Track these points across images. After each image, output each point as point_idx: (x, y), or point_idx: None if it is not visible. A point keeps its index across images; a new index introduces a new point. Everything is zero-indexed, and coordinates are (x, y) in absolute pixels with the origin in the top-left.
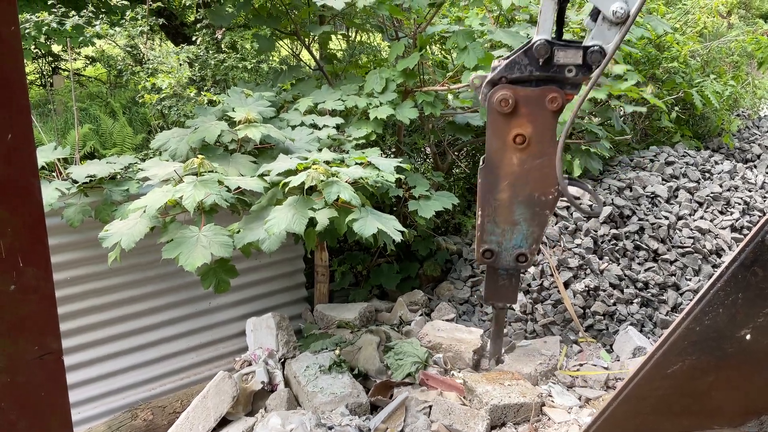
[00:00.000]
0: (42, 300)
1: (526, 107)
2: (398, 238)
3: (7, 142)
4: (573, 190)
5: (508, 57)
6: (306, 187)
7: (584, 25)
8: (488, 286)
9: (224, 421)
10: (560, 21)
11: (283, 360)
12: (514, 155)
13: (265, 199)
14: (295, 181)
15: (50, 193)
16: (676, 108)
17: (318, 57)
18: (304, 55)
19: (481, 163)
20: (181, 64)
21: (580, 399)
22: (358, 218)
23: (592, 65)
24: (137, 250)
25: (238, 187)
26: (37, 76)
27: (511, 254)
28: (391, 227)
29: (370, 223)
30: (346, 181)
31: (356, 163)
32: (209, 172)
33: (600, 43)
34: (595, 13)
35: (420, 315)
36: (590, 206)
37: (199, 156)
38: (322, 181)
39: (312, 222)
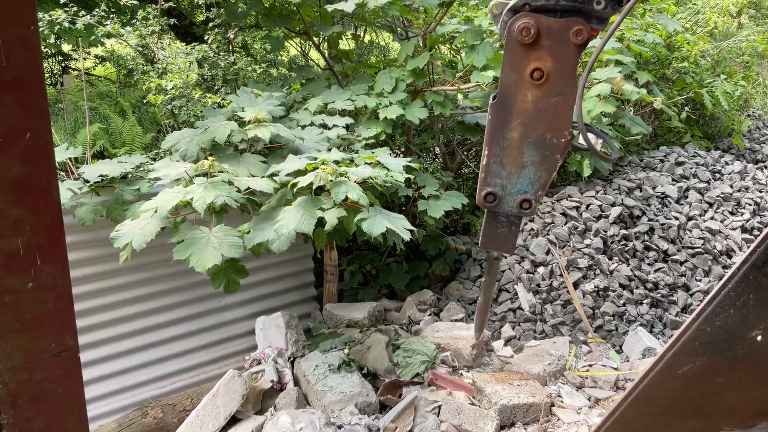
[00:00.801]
0: (59, 298)
1: (548, 39)
2: (407, 237)
3: (26, 141)
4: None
5: None
6: (314, 187)
7: None
8: (486, 232)
9: (234, 420)
10: None
11: (292, 359)
12: (530, 91)
13: (275, 200)
14: (303, 181)
15: (62, 192)
16: (686, 108)
17: (328, 56)
18: (313, 54)
19: (491, 99)
20: (190, 65)
21: (589, 399)
22: (366, 218)
23: None
24: (148, 249)
25: (249, 188)
26: (47, 75)
27: (515, 199)
28: (400, 226)
29: (379, 223)
30: (355, 181)
31: (365, 163)
32: (219, 173)
33: None
34: None
35: (429, 315)
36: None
37: (210, 157)
38: (330, 181)
39: (321, 222)
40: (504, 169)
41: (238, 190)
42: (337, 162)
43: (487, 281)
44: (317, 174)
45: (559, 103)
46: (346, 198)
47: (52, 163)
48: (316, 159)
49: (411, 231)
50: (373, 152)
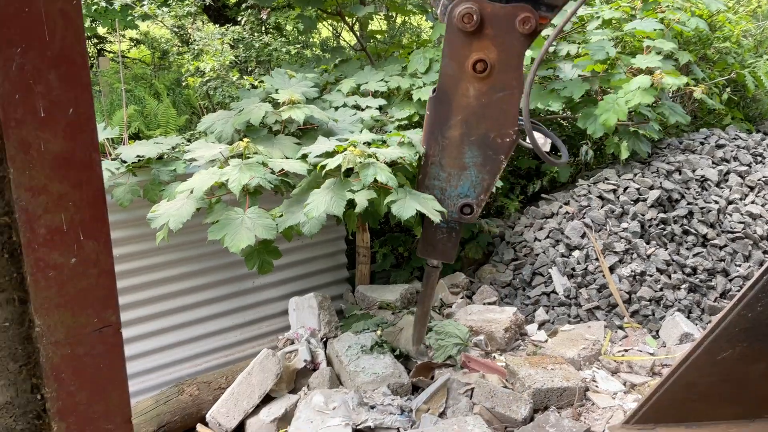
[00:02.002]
0: (102, 273)
1: (492, 27)
2: (437, 218)
3: (69, 117)
4: (537, 137)
5: None
6: (343, 169)
7: None
8: (424, 238)
9: (267, 398)
10: None
11: (324, 339)
12: (472, 85)
13: (306, 182)
14: (332, 163)
15: None
16: (728, 89)
17: (360, 37)
18: (345, 36)
19: (431, 92)
20: (224, 46)
21: (624, 384)
22: (396, 200)
23: None
24: (184, 229)
25: (282, 169)
26: None
27: (455, 203)
28: (430, 208)
29: (409, 205)
30: (384, 162)
31: (397, 144)
32: (254, 154)
33: None
34: None
35: (461, 298)
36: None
37: (245, 139)
38: (359, 162)
39: (352, 204)
40: (443, 171)
41: (272, 172)
42: (368, 143)
43: (424, 292)
44: (345, 156)
45: (504, 99)
46: (375, 180)
47: (94, 138)
48: (347, 140)
49: (441, 212)
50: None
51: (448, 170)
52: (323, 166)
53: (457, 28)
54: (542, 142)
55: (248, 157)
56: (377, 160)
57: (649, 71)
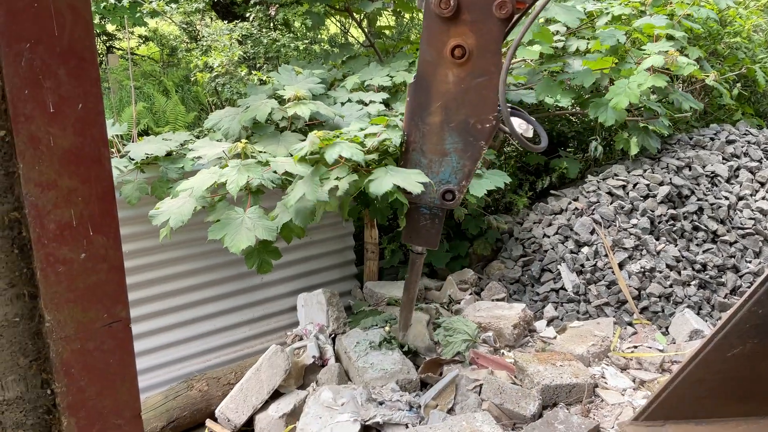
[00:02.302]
0: (111, 269)
1: (469, 12)
2: (418, 190)
3: (78, 112)
4: (516, 122)
5: None
6: (307, 152)
7: None
8: (408, 225)
9: (276, 394)
10: None
11: (333, 335)
12: (451, 71)
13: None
14: (301, 151)
15: None
16: (738, 85)
17: (368, 33)
18: (354, 32)
19: (411, 78)
20: (233, 42)
21: (634, 381)
22: (374, 178)
23: None
24: (190, 226)
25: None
26: None
27: (436, 190)
28: (412, 181)
29: (386, 181)
30: (351, 140)
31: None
32: (259, 152)
33: None
34: None
35: (470, 294)
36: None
37: (243, 141)
38: (324, 142)
39: (364, 196)
40: (424, 157)
41: (275, 171)
42: (361, 135)
43: (409, 278)
44: (310, 140)
45: (483, 85)
46: (343, 158)
47: (103, 133)
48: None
49: (425, 184)
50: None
51: (429, 156)
52: (303, 158)
53: (434, 14)
54: (525, 128)
55: (248, 158)
56: (341, 139)
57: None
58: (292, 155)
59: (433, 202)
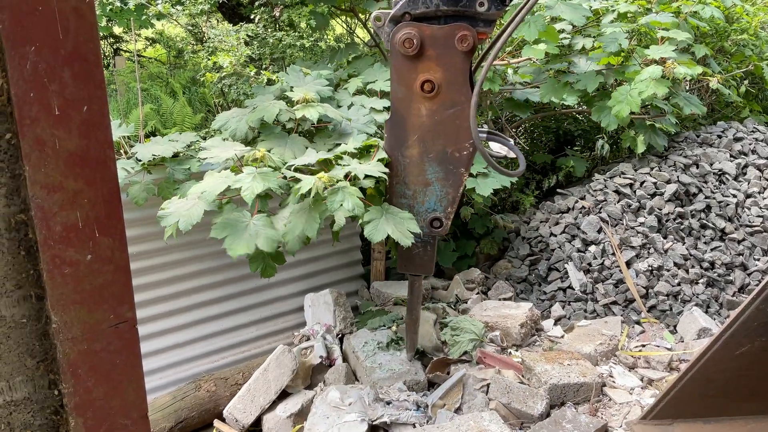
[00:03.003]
0: (117, 270)
1: (433, 48)
2: (408, 242)
3: (83, 115)
4: (495, 146)
5: None
6: (312, 196)
7: None
8: (401, 254)
9: (284, 394)
10: None
11: (340, 335)
12: (423, 105)
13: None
14: (303, 188)
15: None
16: (745, 82)
17: (374, 33)
18: (360, 32)
19: (387, 114)
20: (240, 42)
21: (642, 380)
22: (370, 220)
23: None
24: (197, 227)
25: (294, 176)
26: None
27: (424, 218)
28: (405, 230)
29: (381, 228)
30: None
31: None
32: (270, 164)
33: None
34: None
35: (477, 293)
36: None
37: (261, 149)
38: (326, 189)
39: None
40: (408, 189)
41: (285, 177)
42: (356, 152)
43: (410, 300)
44: (315, 184)
45: (455, 115)
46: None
47: (108, 135)
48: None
49: (417, 234)
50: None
51: (413, 188)
52: (297, 190)
53: (400, 53)
54: (505, 152)
55: (265, 165)
56: (353, 179)
57: (662, 61)
58: (296, 157)
59: (423, 230)
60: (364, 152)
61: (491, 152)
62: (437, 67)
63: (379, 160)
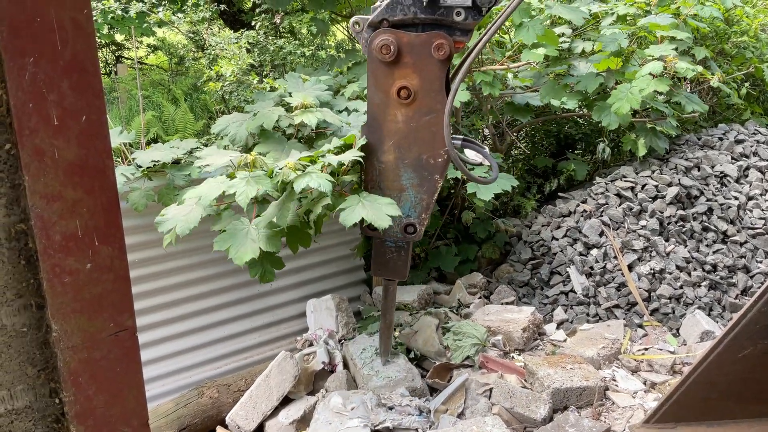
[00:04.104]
0: (117, 278)
1: (410, 55)
2: (384, 225)
3: (82, 125)
4: (470, 154)
5: None
6: (278, 183)
7: None
8: (375, 259)
9: (286, 400)
10: None
11: (342, 341)
12: (399, 111)
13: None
14: (275, 178)
15: (116, 179)
16: (746, 84)
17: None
18: None
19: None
20: (241, 49)
21: (645, 383)
22: (346, 207)
23: (483, 7)
24: (197, 234)
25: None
26: (102, 65)
27: (398, 224)
28: (381, 213)
29: (357, 212)
30: (324, 168)
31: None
32: (262, 168)
33: None
34: None
35: (479, 298)
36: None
37: (253, 153)
38: (293, 176)
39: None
40: (383, 194)
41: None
42: (338, 149)
43: (384, 305)
44: (281, 172)
45: (431, 122)
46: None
47: (107, 145)
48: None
49: (395, 217)
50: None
51: (388, 193)
52: (284, 183)
53: (377, 59)
54: (480, 159)
55: (257, 169)
56: (321, 166)
57: (662, 59)
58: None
59: (396, 235)
60: (345, 149)
61: (466, 160)
62: (414, 74)
63: (358, 149)
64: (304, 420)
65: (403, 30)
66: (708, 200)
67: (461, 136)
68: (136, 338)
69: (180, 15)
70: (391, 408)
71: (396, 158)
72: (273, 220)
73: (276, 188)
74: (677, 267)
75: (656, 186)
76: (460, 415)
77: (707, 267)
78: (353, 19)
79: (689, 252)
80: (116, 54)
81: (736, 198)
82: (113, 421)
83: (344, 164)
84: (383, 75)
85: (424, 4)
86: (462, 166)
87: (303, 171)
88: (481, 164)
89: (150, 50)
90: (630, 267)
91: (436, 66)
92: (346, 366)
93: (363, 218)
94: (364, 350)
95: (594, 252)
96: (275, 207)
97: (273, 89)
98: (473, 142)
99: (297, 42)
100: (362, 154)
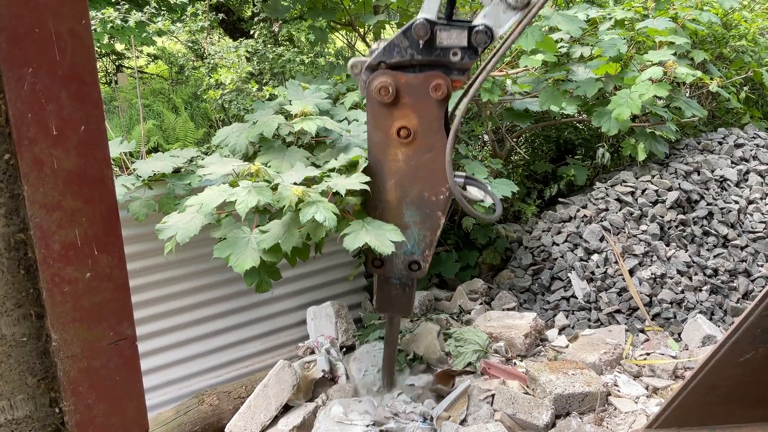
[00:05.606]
0: (116, 287)
1: (409, 96)
2: (388, 251)
3: (81, 134)
4: (472, 191)
5: (388, 38)
6: (285, 208)
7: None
8: (380, 296)
9: (286, 407)
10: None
11: (343, 348)
12: (399, 150)
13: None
14: (281, 202)
15: (117, 189)
16: (745, 88)
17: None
18: (360, 46)
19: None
20: (240, 58)
21: (647, 388)
22: (350, 232)
23: (478, 47)
24: (197, 243)
25: None
26: (102, 74)
27: (402, 261)
28: (385, 239)
29: (360, 237)
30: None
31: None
32: (265, 179)
33: (488, 23)
34: None
35: (480, 304)
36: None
37: (257, 163)
38: (302, 202)
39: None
40: None
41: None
42: (343, 168)
43: (388, 336)
44: (288, 197)
45: (431, 160)
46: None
47: (106, 154)
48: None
49: (398, 243)
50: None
51: None
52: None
53: (376, 101)
54: (482, 196)
55: (260, 179)
56: (320, 199)
57: (661, 64)
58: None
59: (401, 272)
60: (351, 168)
61: (469, 196)
62: (413, 114)
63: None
64: (304, 426)
65: (400, 71)
66: (708, 204)
67: (463, 173)
68: (136, 347)
69: (179, 24)
70: (395, 414)
71: (398, 197)
72: (279, 242)
73: (277, 203)
74: (678, 271)
75: (656, 190)
76: (463, 422)
77: (708, 271)
78: (351, 61)
79: (690, 256)
80: (116, 63)
81: (737, 202)
82: (113, 430)
83: (358, 196)
84: (382, 116)
85: (421, 46)
86: (465, 202)
87: (309, 199)
88: (483, 201)
89: (150, 59)
90: (631, 272)
91: (435, 106)
92: (348, 379)
93: (368, 256)
94: (365, 373)
95: (595, 257)
96: (281, 229)
97: (272, 97)
98: (475, 180)
99: (296, 50)
100: (368, 179)
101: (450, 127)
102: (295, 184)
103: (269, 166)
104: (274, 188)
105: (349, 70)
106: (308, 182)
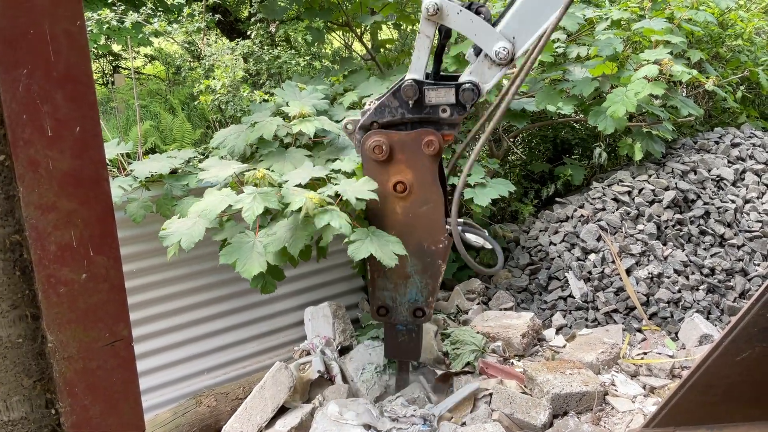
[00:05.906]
0: (112, 288)
1: (402, 153)
2: (392, 264)
3: (76, 135)
4: (472, 238)
5: (379, 98)
6: (301, 216)
7: (465, 57)
8: (388, 342)
9: (282, 409)
10: (439, 57)
11: (339, 348)
12: (397, 204)
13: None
14: (294, 206)
15: (113, 190)
16: (741, 88)
17: (370, 47)
18: (357, 46)
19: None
20: (236, 60)
21: (644, 388)
22: (354, 240)
23: (466, 104)
24: (196, 244)
25: None
26: (99, 75)
27: (407, 309)
28: (389, 252)
29: (365, 247)
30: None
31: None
32: (270, 184)
33: (475, 80)
34: (478, 49)
35: (477, 304)
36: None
37: (262, 169)
38: (316, 210)
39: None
40: (390, 282)
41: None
42: (350, 172)
43: (398, 379)
44: (305, 204)
45: (429, 211)
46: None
47: (102, 155)
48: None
49: (401, 256)
50: None
51: (393, 281)
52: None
53: (371, 159)
54: (481, 242)
55: (265, 185)
56: (335, 208)
57: (657, 62)
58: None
59: (406, 319)
60: (358, 172)
61: (469, 242)
62: (407, 169)
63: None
64: (302, 427)
65: (393, 129)
66: (705, 204)
67: (461, 220)
68: (132, 348)
69: (176, 25)
70: (395, 419)
71: None
72: (286, 245)
73: (281, 206)
74: (675, 271)
75: (653, 190)
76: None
77: (705, 270)
78: (344, 122)
79: (687, 256)
80: (113, 64)
81: (733, 201)
82: (110, 431)
83: (362, 201)
84: (378, 172)
85: (411, 105)
86: (469, 258)
87: (324, 207)
88: (483, 247)
89: (147, 60)
90: (628, 271)
91: (428, 160)
92: (345, 381)
93: (373, 305)
94: (363, 371)
95: (592, 257)
96: (287, 231)
97: (265, 101)
98: (473, 226)
99: (293, 51)
100: (376, 185)
101: (445, 179)
102: (300, 185)
103: (271, 170)
104: (281, 185)
105: (342, 129)
106: (314, 183)
